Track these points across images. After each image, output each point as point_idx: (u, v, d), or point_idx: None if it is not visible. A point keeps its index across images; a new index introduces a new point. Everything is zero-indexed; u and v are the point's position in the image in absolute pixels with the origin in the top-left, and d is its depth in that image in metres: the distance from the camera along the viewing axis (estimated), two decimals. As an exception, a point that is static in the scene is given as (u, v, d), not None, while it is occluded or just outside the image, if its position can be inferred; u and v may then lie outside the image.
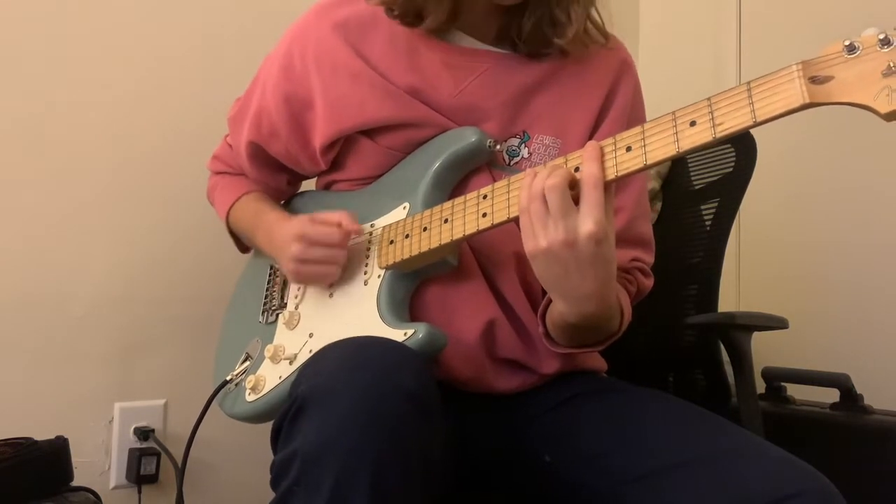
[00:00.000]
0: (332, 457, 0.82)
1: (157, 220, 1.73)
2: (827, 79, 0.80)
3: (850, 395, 1.61)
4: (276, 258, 1.24)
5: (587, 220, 0.92)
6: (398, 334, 1.03)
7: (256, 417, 1.18)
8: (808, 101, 0.80)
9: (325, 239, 1.14)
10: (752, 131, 1.40)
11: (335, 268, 1.15)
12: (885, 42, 0.78)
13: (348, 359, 0.91)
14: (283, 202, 1.40)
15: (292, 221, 1.20)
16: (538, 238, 0.95)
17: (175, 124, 1.75)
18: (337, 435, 0.83)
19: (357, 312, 1.13)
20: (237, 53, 1.75)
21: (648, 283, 1.23)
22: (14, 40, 1.63)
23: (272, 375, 1.16)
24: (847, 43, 0.80)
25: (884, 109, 0.77)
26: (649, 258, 1.23)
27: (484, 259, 1.16)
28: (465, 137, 1.14)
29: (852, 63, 0.79)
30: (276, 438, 0.92)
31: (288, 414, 0.89)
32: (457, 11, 1.14)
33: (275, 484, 0.89)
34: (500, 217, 1.03)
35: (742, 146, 1.58)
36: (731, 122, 0.86)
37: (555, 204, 0.93)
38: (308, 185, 1.40)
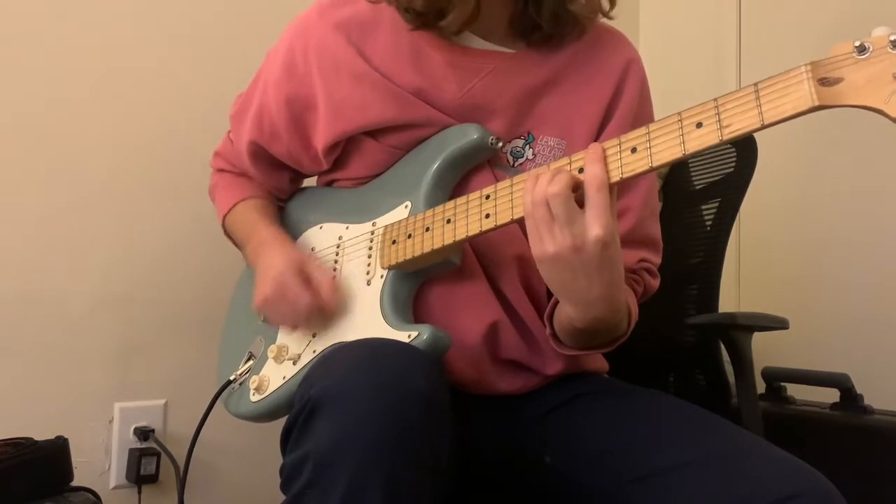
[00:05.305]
0: (346, 459, 0.82)
1: (157, 220, 1.73)
2: (837, 80, 0.79)
3: (850, 395, 1.62)
4: (255, 279, 1.22)
5: (594, 225, 0.91)
6: (402, 336, 1.03)
7: (261, 417, 1.17)
8: (817, 103, 0.79)
9: (294, 301, 1.12)
10: (752, 131, 1.41)
11: (296, 324, 1.17)
12: (897, 43, 0.77)
13: (360, 361, 0.90)
14: (285, 199, 1.39)
15: (281, 256, 1.17)
16: (545, 243, 0.94)
17: (175, 124, 1.75)
18: (350, 437, 0.83)
19: (360, 313, 1.12)
20: (237, 53, 1.74)
21: (655, 283, 1.22)
22: (13, 39, 1.62)
23: (276, 376, 1.16)
24: (857, 44, 0.78)
25: (895, 113, 0.76)
26: (656, 258, 1.22)
27: (486, 260, 1.15)
28: (467, 134, 1.13)
29: (863, 64, 0.78)
30: (287, 441, 0.91)
31: (299, 416, 0.88)
32: (479, 10, 1.12)
33: (286, 487, 0.88)
34: (503, 218, 1.02)
35: (743, 146, 1.57)
36: (739, 124, 0.85)
37: (559, 211, 0.92)
38: (312, 180, 1.39)
